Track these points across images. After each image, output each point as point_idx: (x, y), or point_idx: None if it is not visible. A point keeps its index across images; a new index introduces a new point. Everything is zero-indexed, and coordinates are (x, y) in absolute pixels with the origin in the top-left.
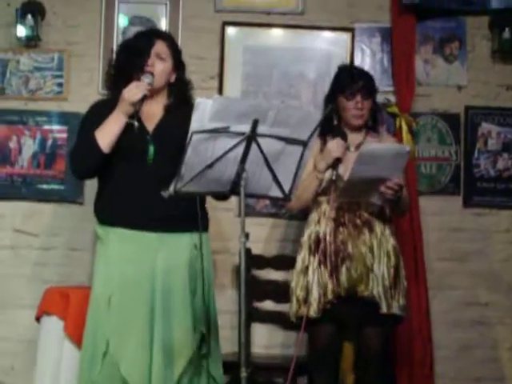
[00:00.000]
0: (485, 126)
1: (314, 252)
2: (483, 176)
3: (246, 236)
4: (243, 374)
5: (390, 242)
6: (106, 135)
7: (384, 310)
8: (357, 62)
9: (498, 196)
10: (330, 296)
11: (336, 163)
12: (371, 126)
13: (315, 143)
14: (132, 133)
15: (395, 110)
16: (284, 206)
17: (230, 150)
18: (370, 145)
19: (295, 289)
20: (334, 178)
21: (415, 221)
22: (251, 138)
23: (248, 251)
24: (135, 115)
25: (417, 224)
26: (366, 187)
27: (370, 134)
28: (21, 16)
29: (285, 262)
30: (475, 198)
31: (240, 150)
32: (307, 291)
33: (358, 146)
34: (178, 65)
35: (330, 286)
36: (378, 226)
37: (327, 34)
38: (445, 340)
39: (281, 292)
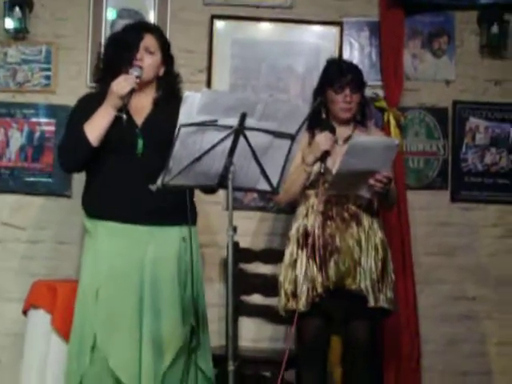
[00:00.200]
0: (473, 121)
1: (302, 246)
2: (471, 170)
3: (234, 229)
4: (231, 367)
5: (378, 236)
6: (95, 128)
7: (371, 303)
8: (345, 56)
9: (485, 190)
10: (319, 289)
11: (324, 156)
12: (359, 119)
13: (303, 136)
14: (121, 126)
15: (383, 104)
16: (272, 200)
17: (218, 143)
18: (360, 137)
19: (283, 282)
20: (322, 170)
21: (403, 215)
22: (239, 131)
23: (236, 245)
24: (123, 108)
25: (404, 218)
26: (355, 180)
27: (359, 127)
28: (9, 8)
29: (273, 255)
30: (463, 192)
31: (228, 143)
32: (295, 285)
33: (346, 140)
34: (167, 58)
35: (319, 280)
36: (366, 220)
37: (316, 27)
38: (432, 334)
39: (269, 286)
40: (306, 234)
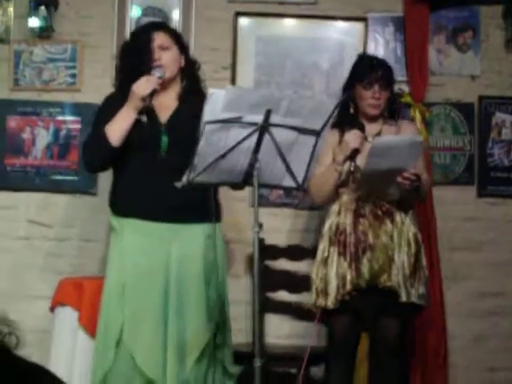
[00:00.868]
0: (499, 116)
1: (333, 243)
2: (497, 166)
3: (260, 226)
4: (257, 364)
5: (411, 230)
6: (116, 130)
7: (403, 298)
8: (370, 52)
9: (511, 185)
10: (348, 287)
11: (354, 154)
12: (388, 116)
13: (333, 135)
14: (144, 125)
15: (409, 99)
16: (298, 198)
17: (243, 140)
18: (382, 137)
19: (315, 279)
20: (352, 169)
21: (429, 211)
22: (264, 128)
23: (261, 241)
24: (144, 110)
25: (431, 214)
26: (383, 179)
27: (388, 122)
28: (34, 7)
29: (298, 252)
30: (489, 187)
31: (253, 140)
32: (326, 282)
33: (376, 136)
34: (183, 48)
35: (348, 277)
36: (399, 215)
37: (340, 23)
38: (459, 330)
39: (294, 282)
40: (338, 232)
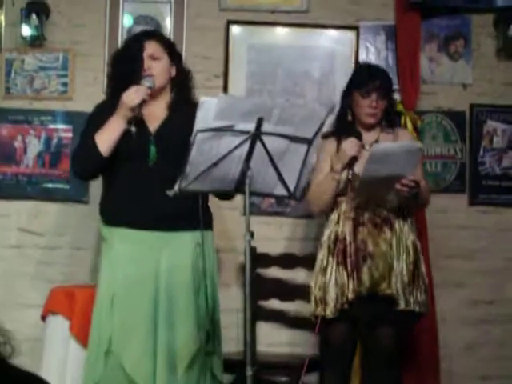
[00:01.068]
0: (490, 124)
1: (332, 252)
2: (489, 174)
3: (251, 234)
4: (249, 372)
5: (410, 238)
6: (106, 139)
7: (402, 306)
8: (361, 60)
9: (503, 194)
10: (350, 295)
11: (352, 162)
12: (385, 125)
13: (331, 144)
14: (133, 134)
15: (400, 107)
16: (289, 205)
17: (235, 148)
18: (381, 144)
19: (313, 289)
20: (350, 177)
21: (421, 219)
22: (256, 136)
23: (253, 250)
24: (133, 120)
25: (422, 222)
26: (381, 186)
27: (385, 130)
28: (25, 15)
29: (290, 260)
30: (481, 195)
31: (245, 148)
32: (324, 291)
33: (372, 144)
34: (174, 57)
35: (350, 286)
36: (398, 223)
37: (332, 32)
38: (451, 338)
39: (286, 291)
40: (337, 241)
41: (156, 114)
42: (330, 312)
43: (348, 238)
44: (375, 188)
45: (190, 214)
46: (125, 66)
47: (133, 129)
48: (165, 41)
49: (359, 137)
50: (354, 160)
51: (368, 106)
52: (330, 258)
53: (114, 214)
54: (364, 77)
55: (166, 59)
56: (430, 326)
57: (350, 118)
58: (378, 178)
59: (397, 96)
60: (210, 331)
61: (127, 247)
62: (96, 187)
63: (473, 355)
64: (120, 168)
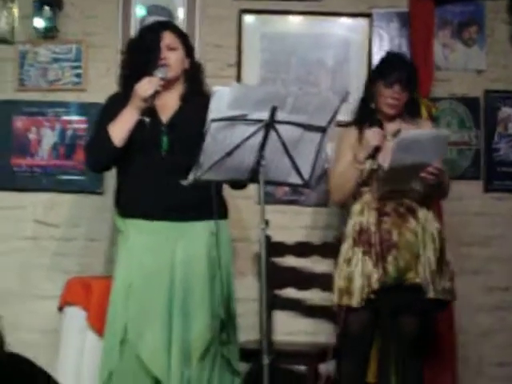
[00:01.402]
0: (504, 110)
1: (358, 242)
2: (503, 160)
3: (266, 223)
4: (265, 361)
5: (435, 226)
6: (119, 130)
7: (431, 294)
8: (375, 48)
9: None
10: (375, 286)
11: (375, 152)
12: (406, 116)
13: (351, 133)
14: (146, 125)
15: (415, 95)
16: (304, 194)
17: (249, 137)
18: (407, 132)
19: (338, 279)
20: (375, 167)
21: (436, 206)
22: (270, 125)
23: (268, 238)
24: (147, 111)
25: (438, 209)
26: (407, 174)
27: (406, 120)
28: (38, 7)
29: (305, 249)
30: (496, 182)
31: (259, 137)
32: (349, 281)
33: (394, 134)
34: (189, 50)
35: (375, 276)
36: (422, 212)
37: (345, 20)
38: (467, 325)
39: (302, 279)
40: (362, 231)
41: (169, 105)
42: (355, 302)
43: (373, 229)
44: (401, 176)
45: (204, 204)
46: (141, 56)
47: (147, 119)
48: (180, 32)
49: (381, 126)
50: (377, 150)
51: (390, 97)
52: (356, 249)
53: (129, 205)
54: (388, 67)
55: (181, 50)
56: (447, 313)
57: (373, 106)
58: (404, 165)
59: None
60: (225, 320)
61: (143, 238)
62: (111, 178)
63: (489, 342)
64: (133, 159)
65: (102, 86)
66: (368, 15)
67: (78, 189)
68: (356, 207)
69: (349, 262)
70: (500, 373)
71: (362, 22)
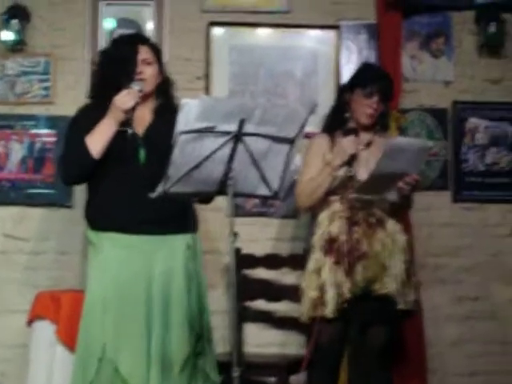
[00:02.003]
0: (472, 121)
1: (328, 252)
2: (472, 171)
3: (235, 235)
4: (235, 373)
5: (403, 237)
6: (97, 142)
7: (401, 305)
8: (343, 60)
9: (486, 190)
10: (347, 295)
11: (351, 160)
12: (378, 128)
13: (323, 140)
14: (122, 138)
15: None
16: (274, 206)
17: (217, 149)
18: (396, 139)
19: (308, 290)
20: (350, 174)
21: (405, 217)
22: (238, 137)
23: (238, 251)
24: (127, 122)
25: (406, 220)
26: (385, 183)
27: (379, 133)
28: (6, 20)
29: (275, 260)
30: (464, 192)
31: (227, 149)
32: (322, 291)
33: (367, 144)
34: (161, 64)
35: (347, 285)
36: (390, 223)
37: (313, 32)
38: (437, 335)
39: (271, 291)
40: (332, 240)
41: (142, 118)
42: (329, 312)
43: (342, 238)
44: (379, 184)
45: (180, 217)
46: (116, 67)
47: (130, 130)
48: (155, 47)
49: (357, 134)
50: (353, 158)
51: (369, 107)
52: (325, 258)
53: (103, 218)
54: (371, 77)
55: (156, 65)
56: (416, 323)
57: (347, 115)
58: (386, 173)
59: None
60: (200, 333)
61: (118, 251)
62: (80, 191)
63: (458, 352)
64: (108, 172)
65: (70, 98)
66: (336, 27)
67: (47, 202)
68: (324, 216)
69: (319, 271)
70: (470, 383)
71: (330, 34)
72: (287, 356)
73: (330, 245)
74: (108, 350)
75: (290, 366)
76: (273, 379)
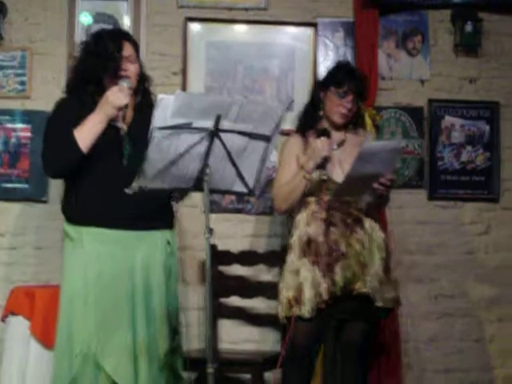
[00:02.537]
0: (448, 119)
1: (305, 253)
2: (447, 169)
3: (211, 232)
4: (210, 369)
5: (381, 236)
6: (86, 136)
7: (379, 303)
8: (320, 57)
9: (462, 188)
10: (325, 296)
11: (324, 162)
12: (351, 127)
13: (297, 141)
14: (107, 133)
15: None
16: (250, 202)
17: (193, 146)
18: (370, 142)
19: (285, 290)
20: (325, 177)
21: (381, 215)
22: (214, 133)
23: (214, 247)
24: (120, 119)
25: (382, 218)
26: (361, 184)
27: (351, 132)
28: None
29: (251, 257)
30: (439, 190)
31: (203, 145)
32: (299, 292)
33: (340, 144)
34: (140, 62)
35: (324, 286)
36: (368, 222)
37: (290, 29)
38: (413, 332)
39: (247, 287)
40: (309, 242)
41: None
42: (306, 311)
43: (320, 239)
44: (355, 186)
45: (161, 213)
46: (99, 62)
47: (123, 126)
48: (136, 44)
49: (329, 135)
50: (325, 160)
51: (343, 106)
52: (304, 259)
53: (85, 213)
54: (346, 76)
55: (137, 63)
56: (393, 321)
57: (321, 113)
58: (361, 175)
59: None
60: (177, 329)
61: (100, 246)
62: (55, 187)
63: (435, 349)
64: (90, 167)
65: (46, 93)
66: (313, 24)
67: (23, 197)
68: (302, 217)
69: (297, 272)
70: (446, 379)
71: (308, 32)
72: (262, 353)
73: (308, 246)
74: (92, 345)
75: (265, 362)
76: (247, 376)
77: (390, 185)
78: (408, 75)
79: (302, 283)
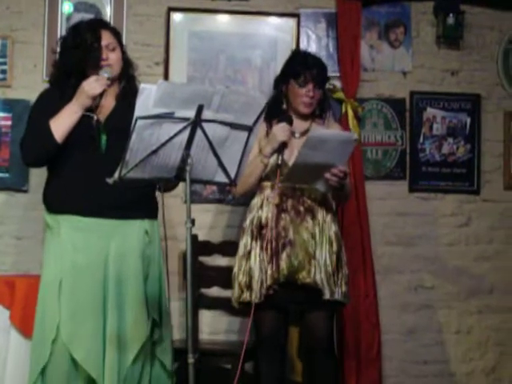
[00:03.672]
0: (430, 111)
1: (256, 237)
2: (428, 161)
3: (192, 222)
4: (190, 360)
5: (332, 229)
6: (61, 126)
7: (327, 296)
8: (302, 48)
9: (443, 180)
10: (269, 281)
11: (282, 148)
12: (318, 114)
13: (261, 127)
14: (84, 123)
15: (341, 95)
16: (230, 192)
17: (175, 135)
18: (318, 130)
19: (238, 274)
20: (279, 162)
21: (361, 206)
22: (196, 123)
23: (195, 237)
24: (93, 109)
25: (363, 209)
26: (311, 173)
27: (316, 120)
28: None
29: (231, 248)
30: (421, 182)
31: (185, 135)
32: (250, 277)
33: (303, 133)
34: (122, 48)
35: (269, 272)
36: (321, 213)
37: (273, 19)
38: (392, 324)
39: (228, 278)
40: (260, 226)
41: (105, 104)
42: (255, 297)
43: (270, 224)
44: (305, 174)
45: (140, 203)
46: (79, 54)
47: (95, 116)
48: (116, 32)
49: (291, 122)
50: (283, 146)
51: (305, 96)
52: (254, 243)
53: (62, 201)
54: (301, 66)
55: (119, 50)
56: (371, 311)
57: (284, 106)
58: (310, 164)
59: (338, 83)
60: (157, 319)
61: (75, 234)
62: (36, 176)
63: (414, 340)
64: (68, 156)
65: (27, 82)
66: (296, 15)
67: (3, 186)
68: (256, 201)
69: (248, 256)
70: (425, 370)
71: (290, 22)
72: (243, 343)
73: (259, 230)
74: (62, 332)
75: (246, 353)
76: (228, 366)
77: (343, 177)
78: (390, 67)
79: (252, 269)
